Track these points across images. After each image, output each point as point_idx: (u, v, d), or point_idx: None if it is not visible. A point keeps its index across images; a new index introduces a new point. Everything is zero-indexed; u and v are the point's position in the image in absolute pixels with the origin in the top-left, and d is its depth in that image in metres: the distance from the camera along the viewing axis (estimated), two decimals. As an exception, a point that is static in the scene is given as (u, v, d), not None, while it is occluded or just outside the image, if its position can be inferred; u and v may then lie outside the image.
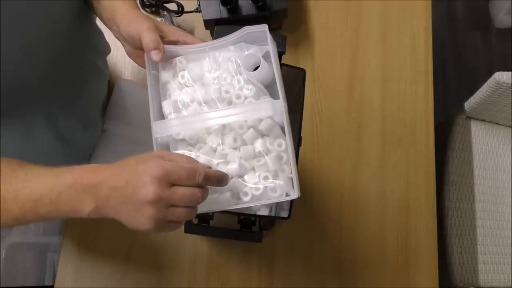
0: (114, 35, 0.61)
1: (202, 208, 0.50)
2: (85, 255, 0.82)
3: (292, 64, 0.62)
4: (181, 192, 0.44)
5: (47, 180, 0.46)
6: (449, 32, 1.97)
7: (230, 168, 0.50)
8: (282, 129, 0.51)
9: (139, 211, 0.45)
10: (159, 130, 0.51)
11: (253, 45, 0.54)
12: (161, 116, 0.54)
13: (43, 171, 0.48)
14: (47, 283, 1.24)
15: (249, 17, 0.85)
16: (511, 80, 1.05)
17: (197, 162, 0.49)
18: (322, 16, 1.00)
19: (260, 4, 0.83)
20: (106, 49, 0.81)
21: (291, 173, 0.50)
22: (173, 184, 0.44)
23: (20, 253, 1.23)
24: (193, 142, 0.52)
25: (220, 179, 0.47)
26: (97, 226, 0.83)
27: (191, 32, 0.95)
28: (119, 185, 0.45)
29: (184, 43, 0.56)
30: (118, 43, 0.62)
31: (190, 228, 0.69)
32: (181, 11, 0.90)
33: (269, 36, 0.53)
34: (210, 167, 0.49)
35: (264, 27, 0.53)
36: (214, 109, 0.52)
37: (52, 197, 0.46)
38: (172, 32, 0.57)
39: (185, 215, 0.45)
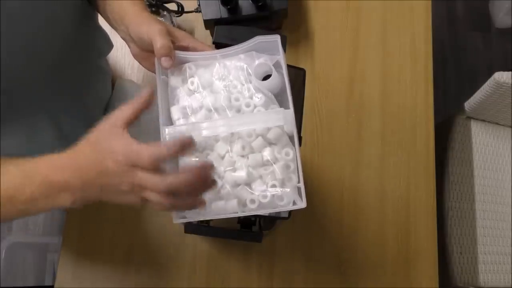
0: (121, 35, 0.60)
1: (208, 215, 0.51)
2: (85, 255, 0.83)
3: (292, 64, 0.62)
4: (144, 178, 0.43)
5: (17, 179, 0.47)
6: (449, 32, 1.97)
7: (238, 175, 0.50)
8: (290, 137, 0.52)
9: (118, 195, 0.46)
10: (168, 136, 0.51)
11: (263, 54, 0.55)
12: (169, 121, 0.54)
13: (11, 168, 0.48)
14: (47, 283, 1.24)
15: (249, 17, 0.85)
16: (511, 80, 1.05)
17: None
18: (322, 16, 1.00)
19: (260, 4, 0.83)
20: (109, 48, 0.80)
21: (299, 182, 0.50)
22: (137, 166, 0.44)
23: (20, 253, 1.23)
24: (201, 149, 0.52)
25: (175, 150, 0.43)
26: (97, 226, 0.83)
27: (191, 32, 0.95)
28: (88, 178, 0.45)
29: (194, 49, 0.56)
30: (119, 44, 0.62)
31: (190, 228, 0.69)
32: (181, 11, 0.90)
33: (280, 46, 0.53)
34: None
35: (276, 37, 0.53)
36: (223, 116, 0.52)
37: (26, 196, 0.46)
38: (183, 37, 0.56)
39: (158, 201, 0.44)
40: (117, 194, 0.46)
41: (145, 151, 0.43)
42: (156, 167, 0.44)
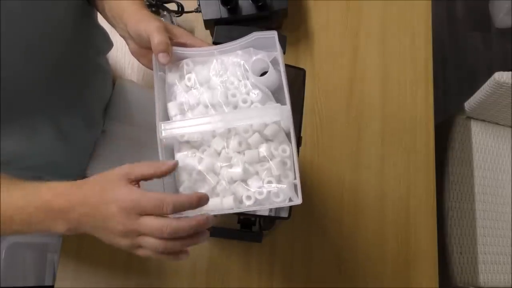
0: (119, 33, 0.61)
1: (203, 212, 0.50)
2: (85, 256, 0.82)
3: (292, 64, 0.62)
4: (148, 223, 0.44)
5: (17, 201, 0.48)
6: (449, 32, 1.97)
7: (234, 171, 0.50)
8: (287, 134, 0.52)
9: (111, 237, 0.46)
10: (164, 131, 0.51)
11: (260, 51, 0.55)
12: (166, 117, 0.54)
13: (12, 189, 0.48)
14: (47, 283, 1.24)
15: (249, 17, 0.85)
16: (511, 80, 1.05)
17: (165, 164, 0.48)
18: (322, 16, 1.00)
19: (260, 4, 0.83)
20: (108, 47, 0.81)
21: (295, 179, 0.50)
22: (142, 214, 0.44)
23: (20, 253, 1.23)
24: (197, 145, 0.52)
25: (195, 203, 0.45)
26: (97, 226, 0.83)
27: (191, 32, 0.95)
28: (88, 212, 0.46)
29: (192, 46, 0.56)
30: (119, 44, 0.62)
31: (190, 228, 0.69)
32: (181, 11, 0.90)
33: (277, 42, 0.53)
34: (180, 194, 0.48)
35: (273, 34, 0.53)
36: (220, 112, 0.52)
37: (23, 217, 0.47)
38: (181, 34, 0.56)
39: (154, 245, 0.45)
40: (108, 236, 0.47)
41: (168, 200, 0.44)
42: (171, 213, 0.44)
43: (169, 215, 0.45)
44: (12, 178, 0.51)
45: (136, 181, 0.47)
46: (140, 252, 0.47)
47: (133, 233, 0.45)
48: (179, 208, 0.45)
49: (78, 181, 0.48)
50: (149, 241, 0.45)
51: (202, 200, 0.46)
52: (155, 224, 0.44)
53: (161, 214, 0.44)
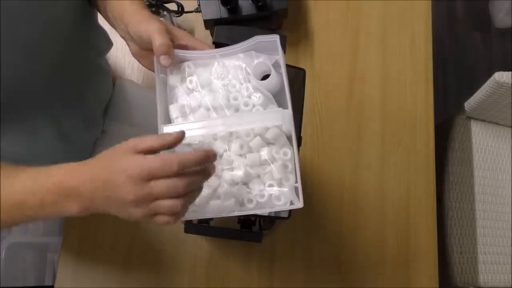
0: (120, 34, 0.60)
1: (205, 214, 0.51)
2: (85, 255, 0.82)
3: (292, 64, 0.62)
4: (160, 185, 0.43)
5: (28, 185, 0.47)
6: (449, 32, 1.97)
7: (236, 175, 0.50)
8: (288, 138, 0.52)
9: (124, 209, 0.45)
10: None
11: (262, 54, 0.55)
12: (168, 119, 0.54)
13: (23, 175, 0.48)
14: (47, 283, 1.24)
15: (249, 17, 0.85)
16: (511, 80, 1.05)
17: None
18: (322, 16, 1.00)
19: (260, 4, 0.83)
20: (108, 46, 0.81)
21: (296, 182, 0.50)
22: (151, 179, 0.44)
23: (20, 253, 1.23)
24: (199, 147, 0.52)
25: (202, 160, 0.45)
26: (97, 226, 0.83)
27: (191, 32, 0.95)
28: (99, 186, 0.45)
29: (194, 48, 0.56)
30: (119, 44, 0.62)
31: (190, 228, 0.69)
32: (181, 11, 0.90)
33: (279, 46, 0.53)
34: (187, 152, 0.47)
35: (275, 37, 0.53)
36: (222, 115, 0.52)
37: (35, 202, 0.47)
38: (181, 36, 0.56)
39: (172, 206, 0.44)
40: (121, 208, 0.45)
41: (173, 157, 0.43)
42: (179, 171, 0.44)
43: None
44: (14, 165, 0.50)
45: (144, 153, 0.46)
46: (157, 220, 0.46)
47: (145, 200, 0.44)
48: (186, 165, 0.44)
49: (87, 160, 0.48)
50: (165, 204, 0.44)
51: (210, 157, 0.45)
52: (169, 181, 0.43)
53: (170, 174, 0.43)
